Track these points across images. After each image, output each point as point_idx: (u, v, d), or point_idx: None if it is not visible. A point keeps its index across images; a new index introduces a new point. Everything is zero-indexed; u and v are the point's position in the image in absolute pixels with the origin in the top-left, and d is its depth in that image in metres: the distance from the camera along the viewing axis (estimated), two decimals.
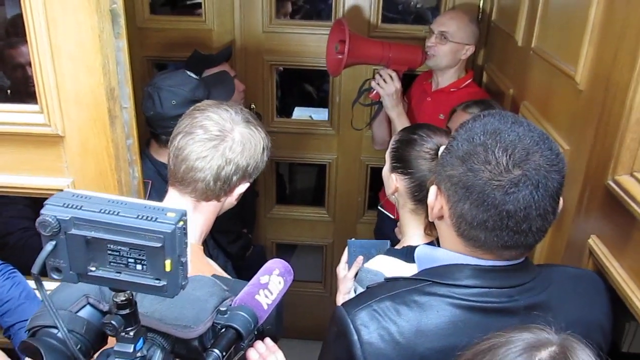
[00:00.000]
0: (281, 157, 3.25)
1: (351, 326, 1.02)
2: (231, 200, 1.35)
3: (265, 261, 2.86)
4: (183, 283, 0.74)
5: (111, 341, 0.87)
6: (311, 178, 4.04)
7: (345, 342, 1.02)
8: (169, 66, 3.20)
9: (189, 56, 2.53)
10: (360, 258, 1.57)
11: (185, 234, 0.72)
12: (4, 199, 1.98)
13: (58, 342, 0.82)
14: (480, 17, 2.75)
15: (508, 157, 0.93)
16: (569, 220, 1.52)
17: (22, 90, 2.08)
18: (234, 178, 1.29)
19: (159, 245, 0.70)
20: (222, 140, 1.26)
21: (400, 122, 2.37)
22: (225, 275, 1.41)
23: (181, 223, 0.71)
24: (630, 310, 1.18)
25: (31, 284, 1.76)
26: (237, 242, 2.56)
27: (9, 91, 2.18)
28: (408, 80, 2.74)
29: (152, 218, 0.70)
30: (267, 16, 2.89)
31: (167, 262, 0.71)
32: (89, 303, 0.88)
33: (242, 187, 1.33)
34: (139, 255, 0.72)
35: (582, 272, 1.22)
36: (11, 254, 1.87)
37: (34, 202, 2.04)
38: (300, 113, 3.66)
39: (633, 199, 1.18)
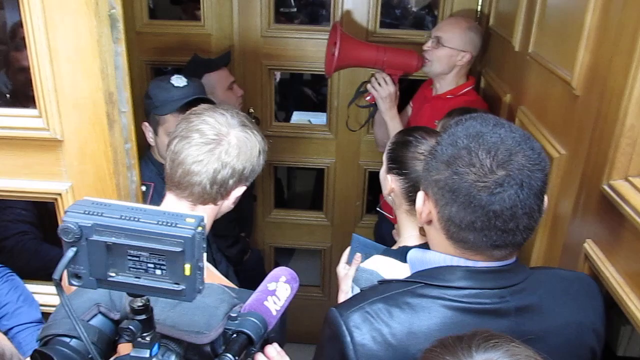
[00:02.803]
0: (280, 161, 3.26)
1: (344, 328, 1.03)
2: (228, 203, 1.36)
3: (263, 265, 2.87)
4: (200, 287, 0.76)
5: (120, 351, 0.88)
6: (309, 182, 4.04)
7: (338, 343, 1.03)
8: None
9: (188, 60, 2.54)
10: (359, 255, 1.58)
11: (204, 239, 0.74)
12: (1, 203, 1.98)
13: (71, 351, 0.83)
14: (478, 21, 2.76)
15: (491, 158, 0.95)
16: (565, 224, 1.52)
17: (24, 94, 2.08)
18: (231, 182, 1.29)
19: (179, 250, 0.72)
20: (218, 144, 1.27)
21: (394, 125, 2.39)
22: (221, 276, 1.41)
23: (200, 228, 0.73)
24: (625, 314, 1.18)
25: (30, 287, 1.76)
26: (235, 246, 2.57)
27: (8, 95, 2.18)
28: (415, 86, 2.76)
29: (172, 224, 0.72)
30: (266, 20, 2.90)
31: (187, 267, 0.72)
32: (100, 312, 0.89)
33: (239, 191, 1.34)
34: (159, 260, 0.73)
35: (575, 275, 1.23)
36: (8, 257, 1.87)
37: (32, 206, 2.04)
38: (299, 117, 3.67)
39: (628, 203, 1.18)
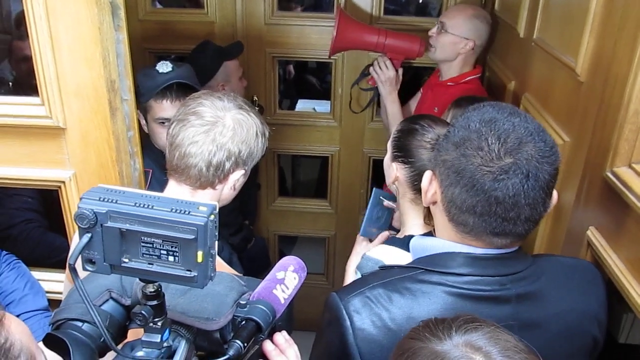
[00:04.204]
0: (283, 149, 3.26)
1: (344, 312, 1.03)
2: (228, 189, 1.35)
3: (267, 253, 2.86)
4: (212, 275, 0.77)
5: (130, 336, 0.89)
6: (314, 170, 4.04)
7: (338, 328, 1.04)
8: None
9: (202, 46, 2.52)
10: (386, 234, 1.63)
11: (216, 227, 0.75)
12: (7, 191, 1.99)
13: (83, 335, 0.84)
14: (482, 7, 2.74)
15: (500, 144, 0.95)
16: (568, 211, 1.52)
17: (27, 83, 2.09)
18: (227, 164, 1.29)
19: (192, 237, 0.72)
20: (213, 125, 1.27)
21: (392, 109, 2.40)
22: (225, 265, 1.42)
23: (212, 216, 0.74)
24: (627, 302, 1.18)
25: (36, 274, 1.77)
26: (238, 234, 2.58)
27: (10, 84, 2.18)
28: (423, 74, 2.74)
29: (185, 211, 0.73)
30: (270, 8, 2.89)
31: (199, 254, 0.73)
32: (111, 297, 0.90)
33: (237, 175, 1.33)
34: (172, 247, 0.74)
35: (577, 262, 1.22)
36: (14, 245, 1.88)
37: (38, 195, 2.05)
38: (303, 105, 3.66)
39: (631, 190, 1.18)
